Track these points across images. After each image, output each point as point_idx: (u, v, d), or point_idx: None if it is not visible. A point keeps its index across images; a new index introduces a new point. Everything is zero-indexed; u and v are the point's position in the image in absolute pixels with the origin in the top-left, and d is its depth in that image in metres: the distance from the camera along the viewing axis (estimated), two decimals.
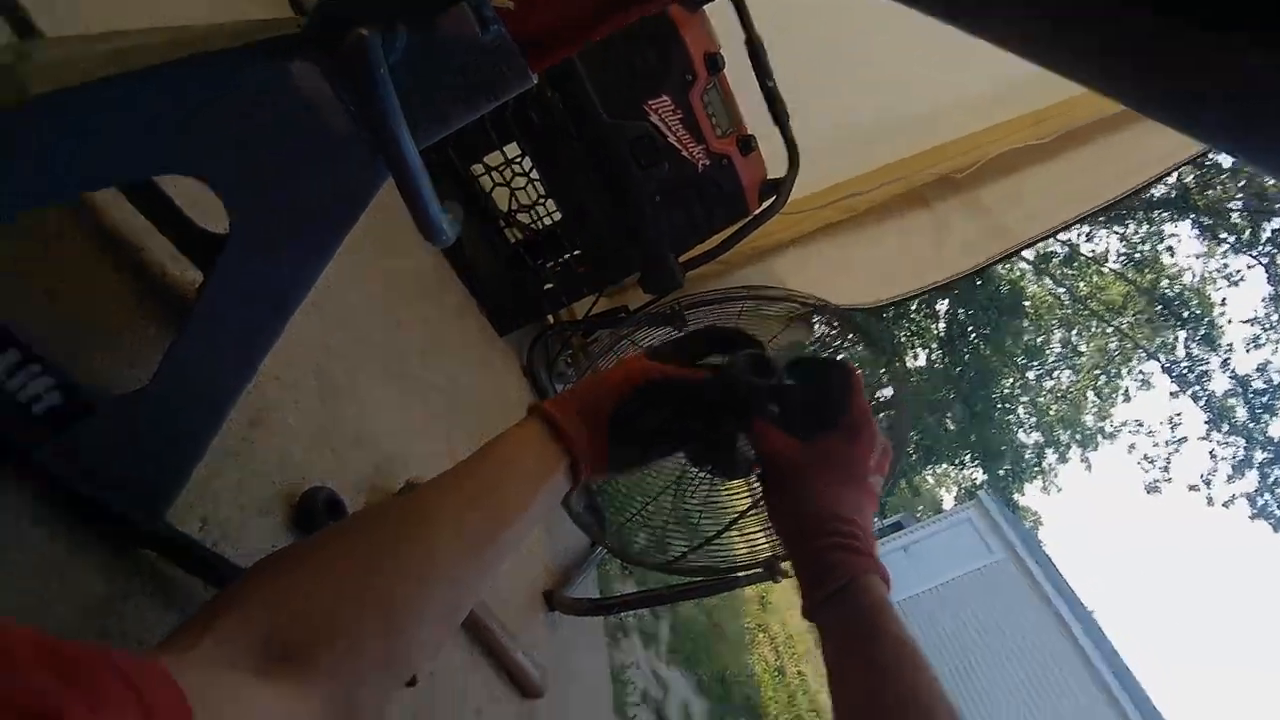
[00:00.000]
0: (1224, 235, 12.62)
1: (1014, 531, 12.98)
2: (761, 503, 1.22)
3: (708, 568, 1.32)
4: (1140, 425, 19.37)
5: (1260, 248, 12.31)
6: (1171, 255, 13.52)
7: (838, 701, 0.53)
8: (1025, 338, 15.20)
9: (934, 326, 14.89)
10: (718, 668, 2.71)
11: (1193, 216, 12.63)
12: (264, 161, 0.50)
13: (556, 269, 1.73)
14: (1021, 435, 16.86)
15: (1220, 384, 18.79)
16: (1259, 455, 13.53)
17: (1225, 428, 13.80)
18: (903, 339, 14.64)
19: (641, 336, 1.42)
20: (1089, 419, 16.84)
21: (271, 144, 0.49)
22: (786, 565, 0.61)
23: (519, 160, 1.59)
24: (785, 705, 3.62)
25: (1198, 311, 13.41)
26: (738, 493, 1.40)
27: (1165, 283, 13.69)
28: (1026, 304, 14.61)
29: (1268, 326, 13.05)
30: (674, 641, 2.38)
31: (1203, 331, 13.30)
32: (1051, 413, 16.66)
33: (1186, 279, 13.61)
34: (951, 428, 16.13)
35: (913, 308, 14.56)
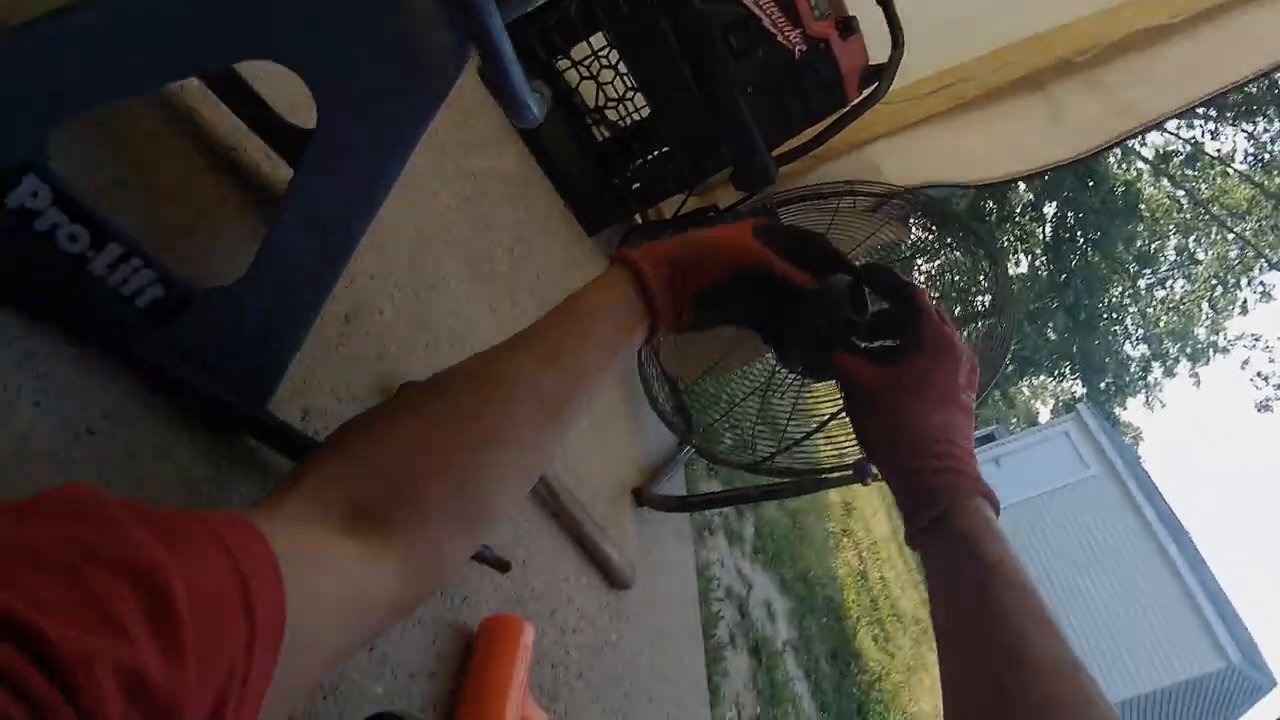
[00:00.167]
0: None
1: (1113, 447, 12.50)
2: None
3: (794, 469, 1.32)
4: (1257, 340, 18.09)
5: None
6: None
7: (941, 629, 0.51)
8: (1138, 243, 14.20)
9: (1040, 231, 14.04)
10: (801, 569, 2.74)
11: None
12: (347, 42, 0.48)
13: (645, 167, 1.68)
14: (1127, 347, 16.02)
15: None
16: None
17: None
18: (1006, 244, 13.90)
19: None
20: (1201, 331, 15.85)
21: (354, 22, 0.47)
22: (877, 470, 0.59)
23: (606, 52, 1.53)
24: (867, 609, 3.67)
25: None
26: (826, 397, 1.37)
27: None
28: (1142, 207, 13.55)
29: None
30: (758, 542, 2.41)
31: None
32: (1161, 324, 15.71)
33: None
34: (1052, 338, 15.43)
35: (1017, 210, 13.76)
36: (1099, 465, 12.38)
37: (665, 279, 0.54)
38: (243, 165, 0.78)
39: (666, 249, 0.56)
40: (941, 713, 0.48)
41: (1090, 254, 13.82)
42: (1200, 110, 12.65)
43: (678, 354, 1.43)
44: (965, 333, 1.34)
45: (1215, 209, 13.56)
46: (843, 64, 1.50)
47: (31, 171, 0.46)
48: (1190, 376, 16.44)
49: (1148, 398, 16.74)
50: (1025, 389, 21.35)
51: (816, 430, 1.32)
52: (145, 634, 0.26)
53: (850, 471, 1.27)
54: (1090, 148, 1.88)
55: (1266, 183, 12.67)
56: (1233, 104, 11.86)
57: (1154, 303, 15.66)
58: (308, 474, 0.42)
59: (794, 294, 0.58)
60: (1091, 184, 12.58)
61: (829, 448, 1.31)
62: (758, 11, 1.40)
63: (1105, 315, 14.96)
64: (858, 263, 0.63)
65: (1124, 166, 13.48)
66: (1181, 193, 13.97)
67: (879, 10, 1.46)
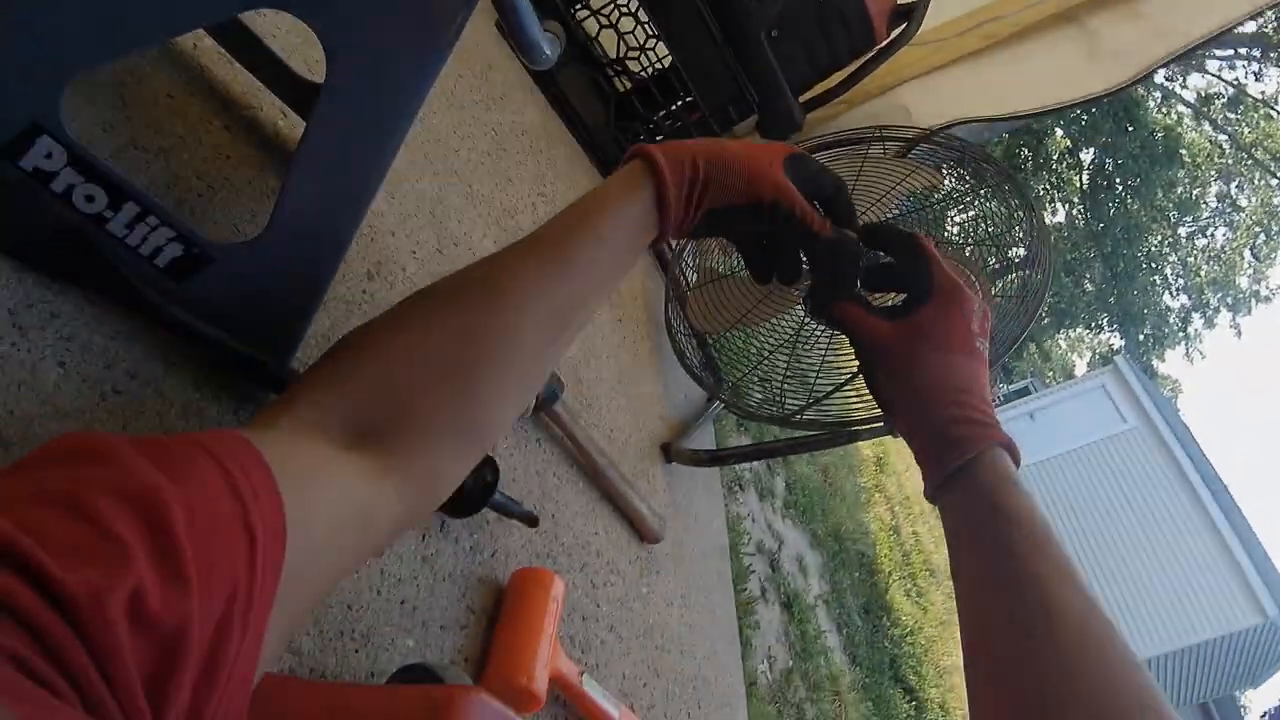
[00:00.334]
0: None
1: (1151, 399, 12.25)
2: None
3: (824, 423, 1.30)
4: None
5: None
6: None
7: (961, 583, 0.50)
8: (1179, 190, 13.70)
9: (1077, 178, 13.63)
10: (833, 524, 2.74)
11: None
12: None
13: (668, 116, 1.65)
14: (1166, 298, 15.58)
15: None
16: None
17: None
18: (1042, 192, 13.52)
19: None
20: (1243, 280, 15.39)
21: None
22: (894, 426, 0.58)
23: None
24: (899, 563, 3.66)
25: None
26: None
27: None
28: (1183, 152, 13.05)
29: None
30: (789, 497, 2.41)
31: None
32: (1201, 273, 15.25)
33: None
34: (1089, 289, 15.07)
35: (1054, 158, 13.36)
36: (1136, 419, 12.17)
37: (685, 191, 0.52)
38: (260, 123, 0.77)
39: (693, 155, 0.53)
40: (966, 663, 0.47)
41: (1129, 202, 13.39)
42: (1243, 50, 12.11)
43: (705, 309, 1.41)
44: (999, 285, 1.31)
45: (1259, 153, 13.05)
46: (870, 5, 1.45)
47: (45, 133, 0.46)
48: (1231, 327, 16.00)
49: (1187, 349, 16.31)
50: (1062, 341, 20.95)
51: (846, 383, 1.30)
52: (146, 560, 0.26)
53: (881, 424, 1.25)
54: (1127, 77, 1.79)
55: None
56: (1278, 43, 11.34)
57: (1194, 251, 15.19)
58: (303, 393, 0.41)
59: (805, 236, 0.57)
60: (1131, 129, 12.14)
61: (859, 400, 1.29)
62: None
63: (1144, 265, 14.53)
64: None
65: (1164, 110, 13.00)
66: (1224, 137, 13.46)
67: None
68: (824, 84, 1.51)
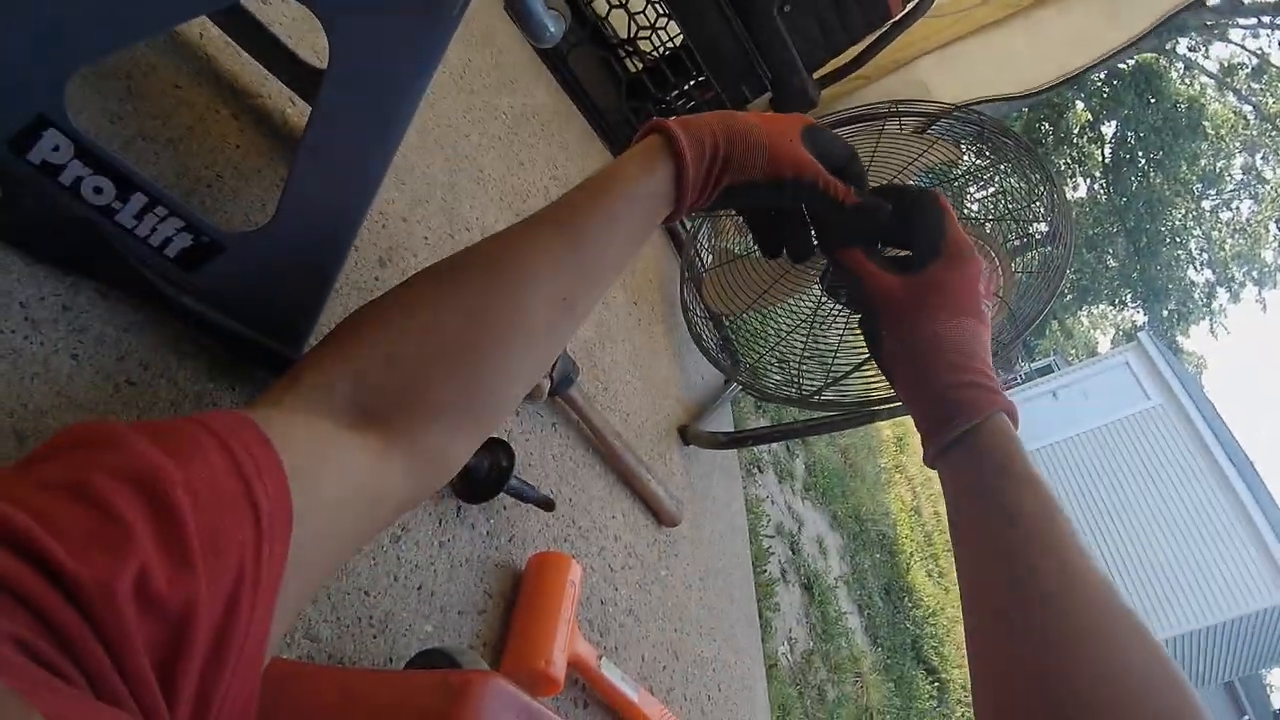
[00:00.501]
0: None
1: (1175, 376, 12.06)
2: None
3: (842, 403, 1.29)
4: None
5: None
6: None
7: (966, 547, 0.49)
8: (1202, 163, 13.45)
9: (1098, 152, 13.39)
10: (853, 505, 2.73)
11: None
12: None
13: (681, 96, 1.63)
14: (1190, 273, 15.31)
15: None
16: None
17: None
18: (1063, 167, 13.30)
19: None
20: (1268, 254, 15.09)
21: None
22: (894, 387, 0.57)
23: None
24: (921, 544, 3.65)
25: None
26: None
27: None
28: (1206, 124, 12.79)
29: None
30: (809, 479, 2.40)
31: None
32: (1226, 247, 14.99)
33: None
34: (1112, 265, 14.84)
35: (1075, 132, 13.13)
36: (1161, 395, 11.99)
37: (705, 168, 0.51)
38: (267, 111, 0.77)
39: (713, 132, 0.52)
40: (970, 632, 0.46)
41: (1152, 175, 13.15)
42: (1266, 19, 11.80)
43: (721, 290, 1.40)
44: (1020, 261, 1.29)
45: None
46: None
47: (52, 125, 0.46)
48: (1257, 301, 15.73)
49: (1212, 324, 16.02)
50: (1084, 319, 20.68)
51: (865, 362, 1.29)
52: (151, 541, 0.26)
53: (900, 403, 1.24)
54: (1148, 24, 1.75)
55: None
56: None
57: (1219, 225, 14.92)
58: (307, 372, 0.40)
59: (833, 207, 0.56)
60: (1153, 101, 11.91)
61: (878, 380, 1.28)
62: None
63: (1168, 240, 14.28)
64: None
65: (1187, 81, 12.72)
66: (1248, 107, 13.17)
67: None
68: (838, 59, 1.48)
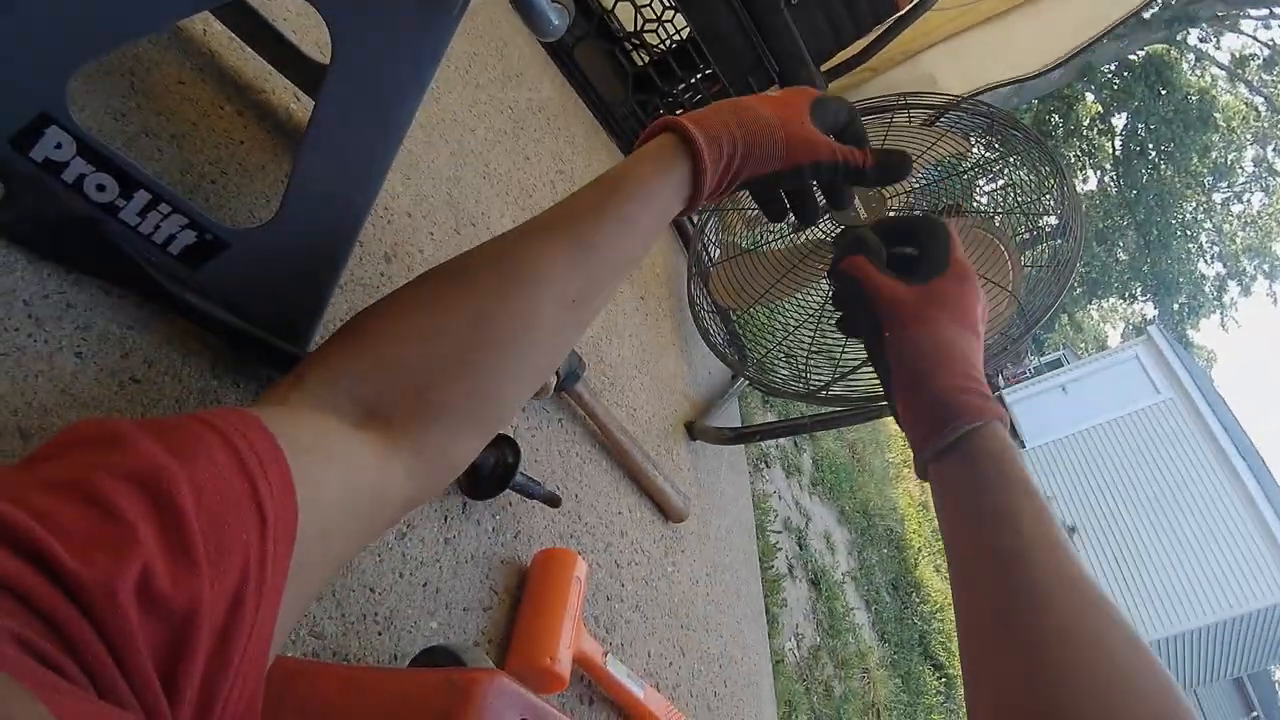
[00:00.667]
0: None
1: (1185, 370, 11.97)
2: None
3: (850, 398, 1.29)
4: None
5: None
6: None
7: (960, 551, 0.48)
8: (1214, 155, 13.31)
9: (1108, 145, 13.28)
10: (860, 500, 2.73)
11: None
12: None
13: (688, 89, 1.62)
14: (1201, 266, 15.18)
15: None
16: None
17: None
18: (1073, 159, 13.20)
19: None
20: (1279, 247, 14.92)
21: None
22: (887, 393, 0.58)
23: None
24: (928, 540, 3.64)
25: None
26: None
27: None
28: (1217, 116, 12.66)
29: None
30: (816, 474, 2.40)
31: None
32: (1237, 240, 14.85)
33: None
34: (1122, 258, 14.73)
35: (1084, 124, 13.03)
36: (1171, 389, 11.91)
37: (721, 168, 0.51)
38: (271, 107, 0.77)
39: (729, 131, 0.51)
40: (966, 634, 0.46)
41: (1162, 168, 13.03)
42: (1279, 10, 11.68)
43: (728, 285, 1.40)
44: (1030, 255, 1.28)
45: None
46: None
47: (54, 123, 0.46)
48: (1268, 295, 15.63)
49: (1222, 318, 15.88)
50: (1094, 312, 20.56)
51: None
52: (154, 540, 0.26)
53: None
54: None
55: None
56: None
57: (1230, 218, 14.79)
58: (313, 371, 0.40)
59: (854, 175, 0.57)
60: (1163, 92, 11.80)
61: None
62: None
63: (1178, 233, 14.14)
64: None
65: (1198, 73, 12.61)
66: (1260, 99, 13.03)
67: None
68: (846, 52, 1.47)
